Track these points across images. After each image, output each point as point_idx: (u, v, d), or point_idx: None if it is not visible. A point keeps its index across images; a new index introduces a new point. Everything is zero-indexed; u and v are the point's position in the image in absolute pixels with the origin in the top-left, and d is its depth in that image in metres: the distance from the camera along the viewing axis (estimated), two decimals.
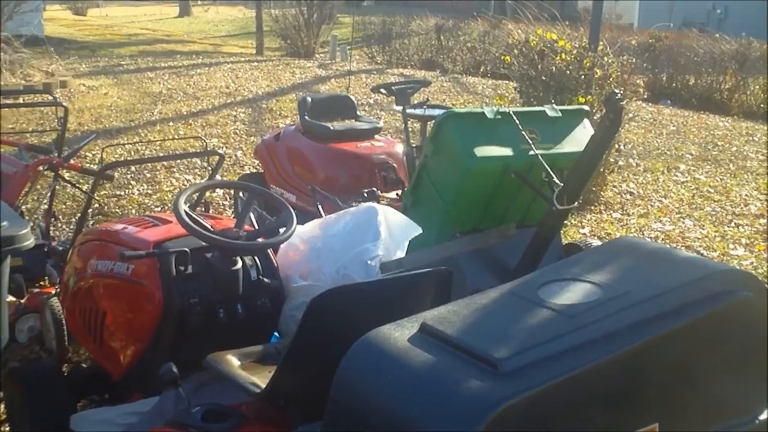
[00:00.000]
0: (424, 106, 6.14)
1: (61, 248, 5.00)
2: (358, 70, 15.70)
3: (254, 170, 7.63)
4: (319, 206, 5.00)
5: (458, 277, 3.08)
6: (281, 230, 3.60)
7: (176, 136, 9.70)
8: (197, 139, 8.95)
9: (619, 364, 2.04)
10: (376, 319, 2.29)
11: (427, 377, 2.04)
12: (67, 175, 5.64)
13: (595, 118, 6.00)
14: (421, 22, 20.49)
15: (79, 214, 6.07)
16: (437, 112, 5.69)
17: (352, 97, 6.74)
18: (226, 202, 7.19)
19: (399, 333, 2.21)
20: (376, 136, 6.35)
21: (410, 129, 6.04)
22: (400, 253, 3.69)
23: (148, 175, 7.96)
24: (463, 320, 2.25)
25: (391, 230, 3.70)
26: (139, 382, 3.48)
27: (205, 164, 7.63)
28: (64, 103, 6.21)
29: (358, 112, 6.57)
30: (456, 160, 4.36)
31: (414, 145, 5.91)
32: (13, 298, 4.79)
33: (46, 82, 12.71)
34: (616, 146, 7.87)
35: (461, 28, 19.96)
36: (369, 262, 3.55)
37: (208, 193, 6.65)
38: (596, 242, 5.52)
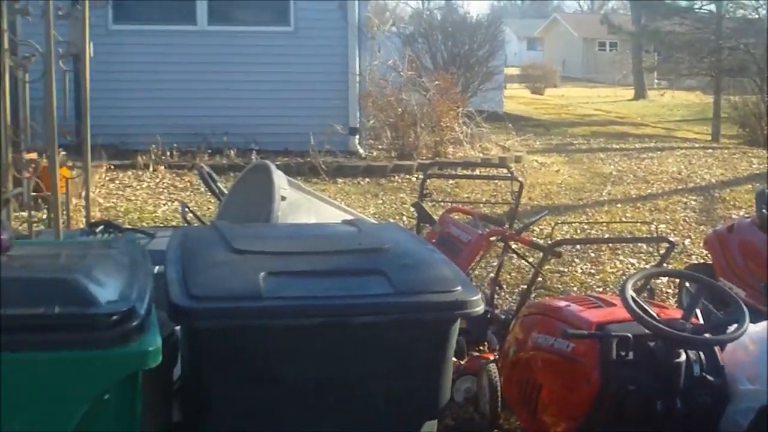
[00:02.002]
0: None
1: (503, 317, 5.16)
2: None
3: (702, 261, 7.34)
4: None
5: None
6: (731, 327, 3.42)
7: (624, 219, 9.66)
8: (645, 224, 8.84)
9: None
10: None
11: None
12: (515, 247, 5.84)
13: None
14: None
15: (523, 286, 6.25)
16: None
17: None
18: (669, 290, 6.98)
19: None
20: None
21: None
22: None
23: (593, 255, 7.99)
24: None
25: None
26: None
27: (651, 249, 7.47)
28: (520, 178, 6.46)
29: None
30: None
31: None
32: (454, 359, 5.02)
33: (502, 156, 13.35)
34: None
35: None
36: None
37: (652, 280, 6.50)
38: None
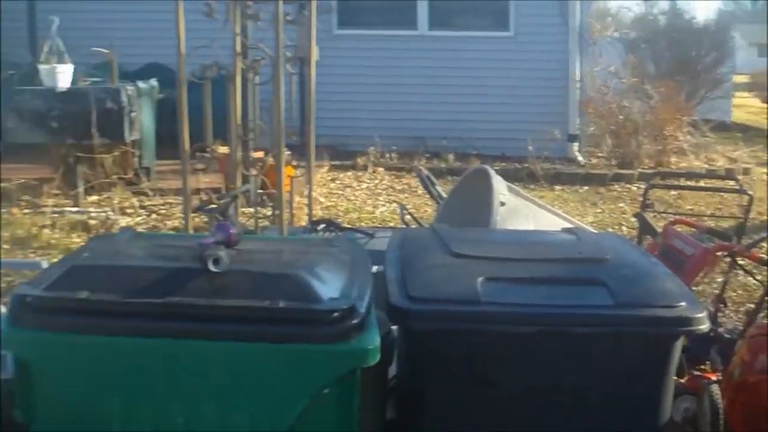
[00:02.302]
0: None
1: (727, 336, 4.90)
2: None
3: None
4: None
5: None
6: None
7: None
8: None
9: None
10: None
11: None
12: (742, 264, 5.54)
13: None
14: None
15: (750, 305, 5.91)
16: None
17: None
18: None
19: None
20: None
21: None
22: None
23: None
24: None
25: None
26: None
27: None
28: (749, 192, 6.12)
29: None
30: None
31: None
32: (674, 377, 4.82)
33: (728, 167, 12.73)
34: None
35: None
36: None
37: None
38: None
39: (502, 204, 4.84)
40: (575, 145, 12.77)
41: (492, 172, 5.14)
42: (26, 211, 8.96)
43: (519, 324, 2.92)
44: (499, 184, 4.99)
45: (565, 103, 12.69)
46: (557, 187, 11.19)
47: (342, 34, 12.80)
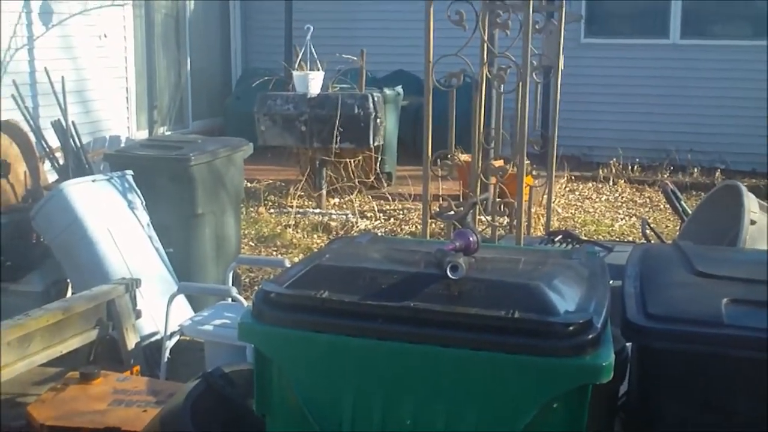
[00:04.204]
0: None
1: None
2: None
3: None
4: None
5: None
6: None
7: None
8: None
9: None
10: None
11: None
12: None
13: None
14: None
15: None
16: None
17: None
18: None
19: None
20: None
21: None
22: None
23: None
24: None
25: None
26: None
27: None
28: None
29: None
30: None
31: None
32: None
33: None
34: None
35: None
36: None
37: None
38: None
39: (753, 222, 4.60)
40: None
41: (743, 189, 4.90)
42: (272, 210, 9.46)
43: (764, 351, 2.74)
44: (750, 202, 4.75)
45: None
46: None
47: (589, 42, 12.62)
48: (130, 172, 5.93)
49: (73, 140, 7.11)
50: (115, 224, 5.56)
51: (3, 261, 6.01)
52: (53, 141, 7.39)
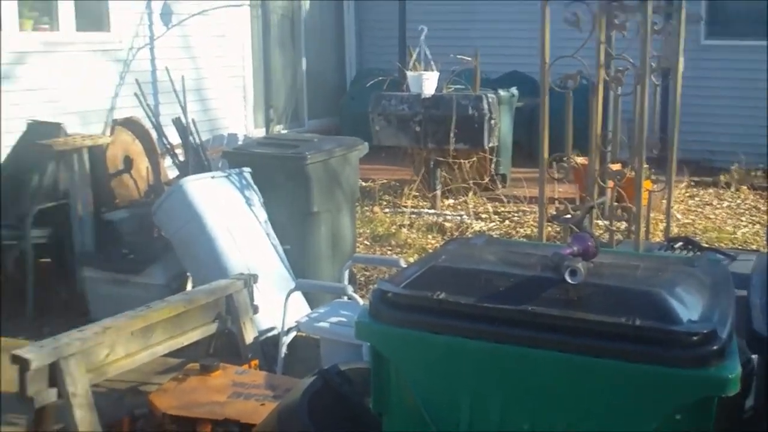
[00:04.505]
0: None
1: None
2: None
3: None
4: None
5: None
6: None
7: None
8: None
9: None
10: None
11: None
12: None
13: None
14: None
15: None
16: None
17: None
18: None
19: None
20: None
21: None
22: None
23: None
24: None
25: None
26: None
27: None
28: None
29: None
30: None
31: None
32: None
33: None
34: None
35: None
36: None
37: None
38: None
39: None
40: None
41: None
42: (387, 210, 9.51)
43: None
44: None
45: None
46: None
47: (710, 44, 12.26)
48: (248, 169, 6.06)
49: (193, 137, 7.32)
50: (233, 220, 5.68)
51: (126, 254, 6.23)
52: (174, 138, 7.61)
